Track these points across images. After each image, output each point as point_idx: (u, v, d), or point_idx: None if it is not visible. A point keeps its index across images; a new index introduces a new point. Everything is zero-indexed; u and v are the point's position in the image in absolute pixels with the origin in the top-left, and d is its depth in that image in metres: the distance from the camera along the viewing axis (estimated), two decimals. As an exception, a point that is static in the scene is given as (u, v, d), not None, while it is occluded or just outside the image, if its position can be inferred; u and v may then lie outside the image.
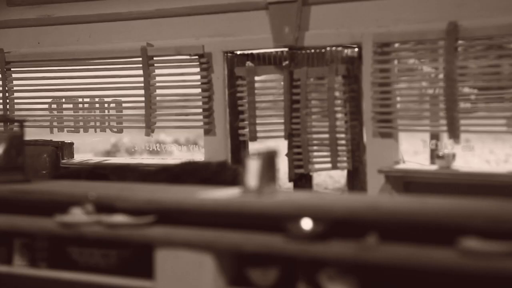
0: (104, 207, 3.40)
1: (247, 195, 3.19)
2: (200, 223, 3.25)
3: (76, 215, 3.38)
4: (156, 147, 6.76)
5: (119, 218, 3.29)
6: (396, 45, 5.52)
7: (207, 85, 6.14)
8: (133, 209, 3.34)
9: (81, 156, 7.14)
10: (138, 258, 3.38)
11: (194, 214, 3.25)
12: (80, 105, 6.70)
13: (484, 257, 2.63)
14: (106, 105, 6.62)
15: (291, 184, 6.01)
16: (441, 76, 5.31)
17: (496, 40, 5.20)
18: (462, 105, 5.26)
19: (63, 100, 6.77)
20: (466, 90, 5.26)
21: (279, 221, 3.02)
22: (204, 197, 3.25)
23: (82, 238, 3.36)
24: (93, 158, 7.08)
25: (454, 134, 5.24)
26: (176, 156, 7.32)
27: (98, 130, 6.67)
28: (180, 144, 6.86)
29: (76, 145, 6.84)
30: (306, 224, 2.96)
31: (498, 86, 5.30)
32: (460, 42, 5.25)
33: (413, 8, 5.41)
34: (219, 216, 3.20)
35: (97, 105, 6.65)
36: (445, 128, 5.28)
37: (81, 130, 6.70)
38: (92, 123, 6.67)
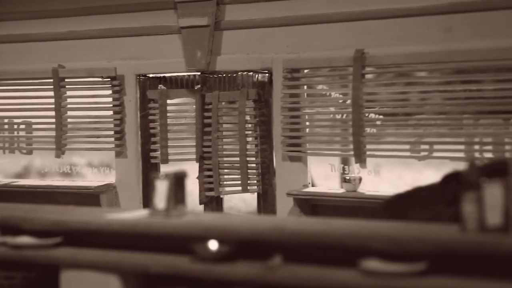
0: (10, 228, 3.37)
1: (155, 216, 3.21)
2: (108, 244, 3.25)
3: (-19, 236, 3.34)
4: (67, 169, 6.67)
5: (24, 239, 3.26)
6: (306, 71, 5.62)
7: (119, 108, 6.12)
8: (40, 230, 3.32)
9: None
10: (43, 280, 3.35)
11: (102, 235, 3.25)
12: (-12, 126, 6.59)
13: (385, 277, 2.71)
14: (15, 126, 6.53)
15: (202, 207, 6.03)
16: (349, 101, 5.42)
17: (403, 68, 5.35)
18: (369, 130, 5.39)
19: (-29, 121, 6.65)
20: (372, 116, 5.39)
21: (187, 242, 3.05)
22: (111, 218, 3.25)
23: (-13, 259, 3.32)
24: (2, 180, 6.95)
25: (360, 158, 5.35)
26: (88, 178, 7.23)
27: (6, 151, 6.57)
28: (93, 167, 6.79)
29: (-16, 167, 6.72)
30: (213, 245, 3.01)
31: (404, 113, 5.44)
32: (367, 69, 5.38)
33: (322, 35, 5.52)
34: (127, 237, 3.21)
35: (6, 126, 6.55)
36: (352, 152, 5.39)
37: (-11, 151, 6.58)
38: (0, 144, 6.56)
